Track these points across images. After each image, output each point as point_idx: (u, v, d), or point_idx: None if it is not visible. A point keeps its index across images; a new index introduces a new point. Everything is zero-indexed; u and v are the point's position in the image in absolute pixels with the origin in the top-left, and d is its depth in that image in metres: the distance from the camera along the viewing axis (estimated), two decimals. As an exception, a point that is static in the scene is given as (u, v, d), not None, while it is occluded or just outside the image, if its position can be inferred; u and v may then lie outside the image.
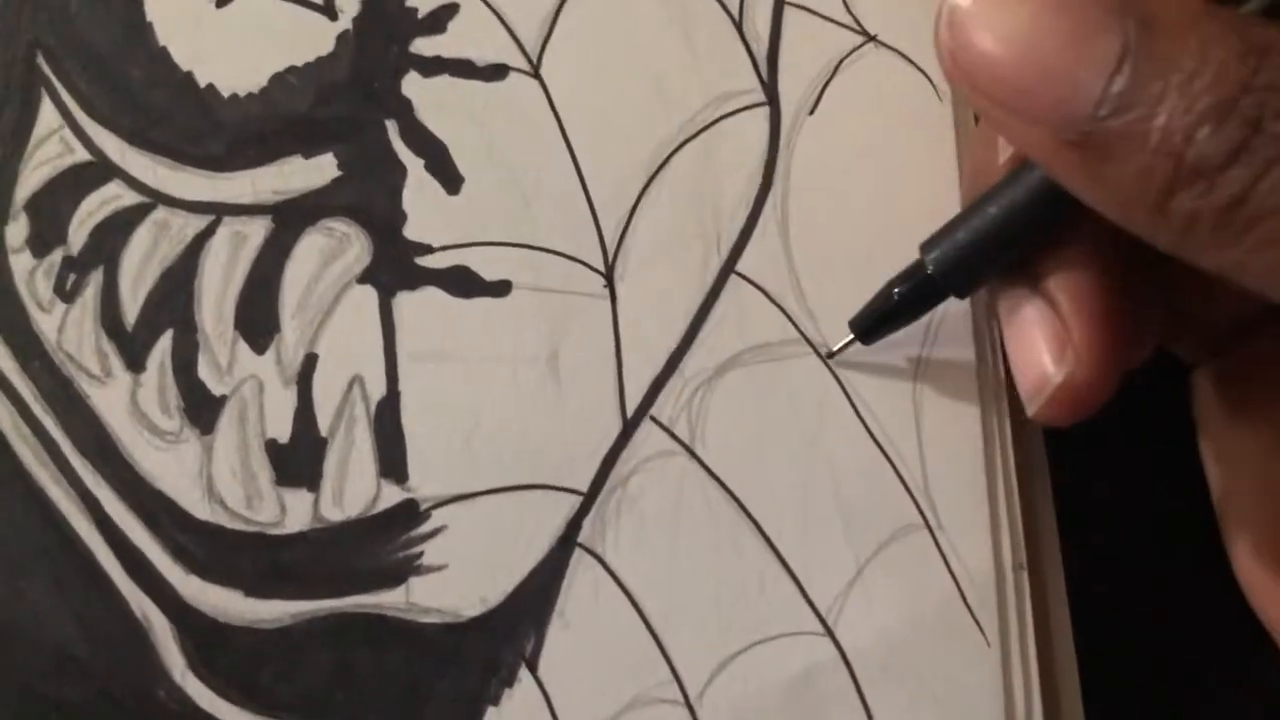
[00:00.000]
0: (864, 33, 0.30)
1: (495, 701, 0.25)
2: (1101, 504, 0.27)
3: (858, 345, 0.28)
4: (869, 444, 0.27)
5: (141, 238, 0.28)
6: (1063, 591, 0.27)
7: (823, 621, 0.26)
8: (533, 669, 0.26)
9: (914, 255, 0.29)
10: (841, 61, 0.30)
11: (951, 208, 0.29)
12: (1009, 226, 0.24)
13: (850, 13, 0.31)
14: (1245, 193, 0.19)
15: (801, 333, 0.28)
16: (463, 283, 0.28)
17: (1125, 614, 0.30)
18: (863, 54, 0.30)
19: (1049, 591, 0.27)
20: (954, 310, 0.28)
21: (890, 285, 0.27)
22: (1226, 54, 0.19)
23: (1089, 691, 0.27)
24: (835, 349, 0.28)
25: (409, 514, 0.26)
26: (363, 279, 0.28)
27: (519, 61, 0.30)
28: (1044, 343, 0.24)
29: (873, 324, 0.27)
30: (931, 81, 0.30)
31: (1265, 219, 0.19)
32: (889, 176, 0.29)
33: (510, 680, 0.25)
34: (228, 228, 0.28)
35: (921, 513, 0.27)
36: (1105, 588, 0.28)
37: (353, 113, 0.29)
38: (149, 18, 0.29)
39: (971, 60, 0.21)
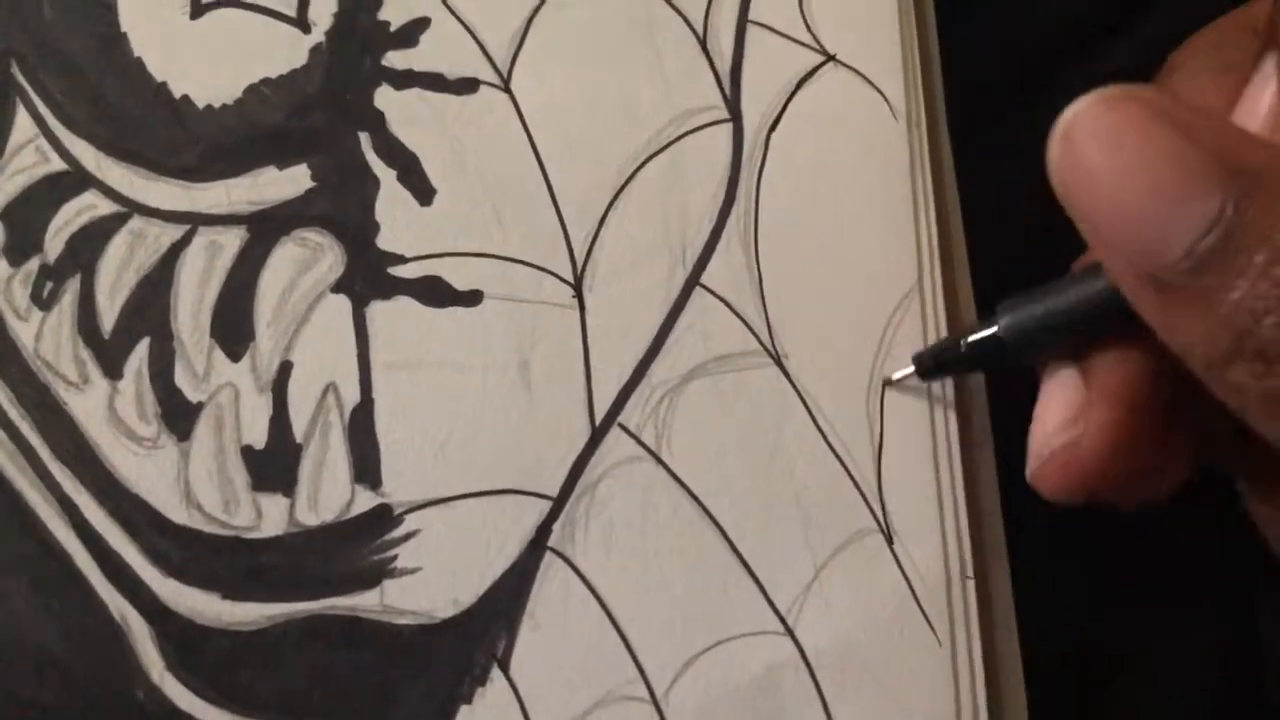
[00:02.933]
0: (824, 52, 0.32)
1: (468, 700, 0.26)
2: (1049, 515, 0.28)
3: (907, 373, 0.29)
4: (826, 452, 0.29)
5: (118, 246, 0.28)
6: (1008, 593, 0.28)
7: (783, 622, 0.27)
8: (504, 668, 0.26)
9: (869, 270, 0.30)
10: (802, 80, 0.31)
11: (904, 223, 0.30)
12: (1085, 315, 0.25)
13: (811, 32, 0.32)
14: None
15: (762, 344, 0.29)
16: (435, 292, 0.29)
17: (1068, 614, 0.31)
18: (822, 73, 0.31)
19: (995, 594, 0.28)
20: (905, 332, 0.30)
21: (961, 335, 0.27)
22: None
23: (1031, 686, 0.28)
24: (895, 378, 0.29)
25: (383, 518, 0.27)
26: (336, 288, 0.29)
27: (489, 75, 0.30)
28: (1063, 407, 0.25)
29: (934, 366, 0.28)
30: (888, 101, 0.31)
31: None
32: (846, 192, 0.31)
33: (483, 679, 0.26)
34: (203, 237, 0.28)
35: (876, 518, 0.28)
36: (1048, 590, 0.29)
37: (326, 125, 0.30)
38: (123, 28, 0.29)
39: (1075, 178, 0.21)
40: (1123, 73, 0.36)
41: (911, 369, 0.29)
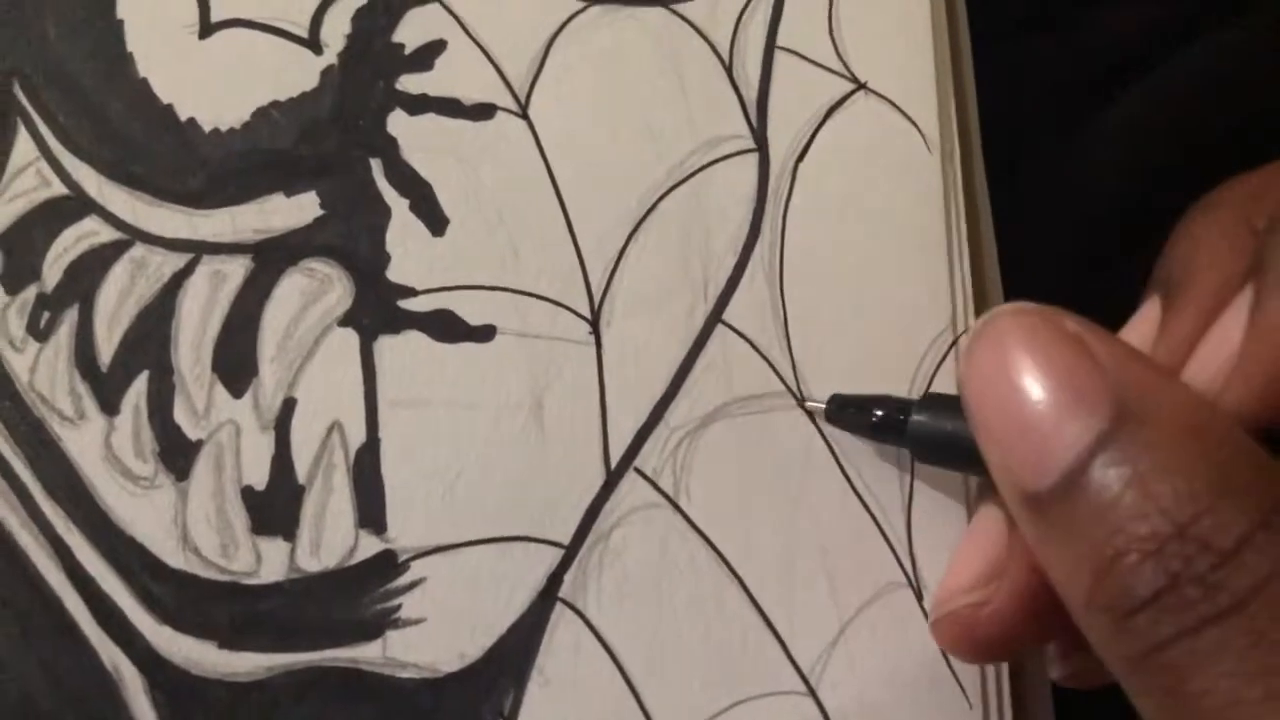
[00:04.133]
0: (854, 79, 0.30)
1: (473, 760, 0.25)
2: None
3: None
4: (853, 500, 0.27)
5: (118, 275, 0.27)
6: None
7: (805, 681, 0.26)
8: (511, 727, 0.25)
9: (900, 308, 0.29)
10: (831, 108, 0.30)
11: (937, 259, 0.29)
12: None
13: (841, 59, 0.30)
14: (1148, 647, 0.18)
15: (786, 385, 0.28)
16: (446, 327, 0.28)
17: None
18: (853, 101, 0.30)
19: (1028, 654, 0.27)
20: (938, 374, 0.28)
21: (880, 402, 0.26)
22: (1185, 485, 0.18)
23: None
24: (808, 404, 0.28)
25: (387, 565, 0.26)
26: (344, 321, 0.27)
27: (507, 101, 0.29)
28: (979, 559, 0.24)
29: (843, 417, 0.27)
30: (920, 131, 0.30)
31: (1154, 674, 0.18)
32: (876, 226, 0.29)
33: (488, 738, 0.25)
34: (207, 266, 0.27)
35: (905, 571, 0.27)
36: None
37: (336, 150, 0.28)
38: (130, 48, 0.28)
39: (970, 386, 0.20)
40: (1155, 108, 0.35)
41: (823, 404, 0.27)
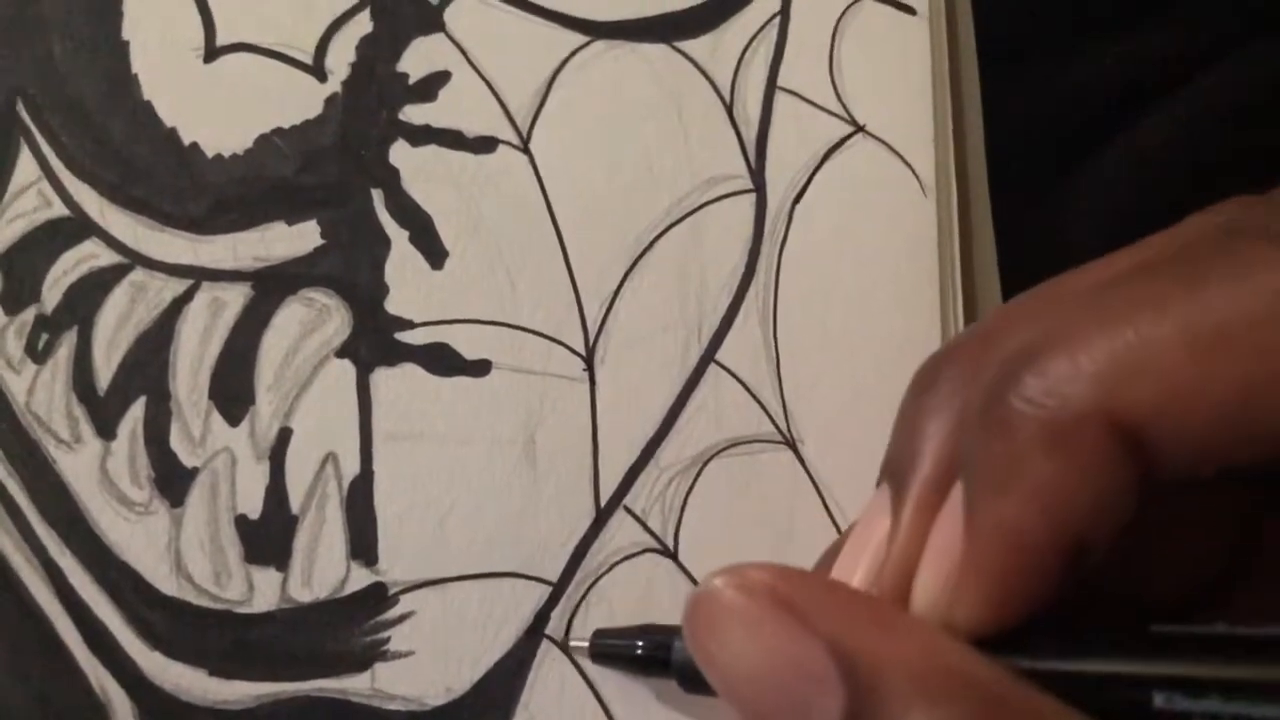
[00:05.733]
0: (853, 122, 0.31)
1: (457, 794, 0.25)
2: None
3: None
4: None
5: (117, 299, 0.27)
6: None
7: (785, 722, 0.27)
8: (495, 762, 0.26)
9: (891, 351, 0.29)
10: (830, 150, 0.30)
11: (930, 302, 0.29)
12: None
13: (841, 101, 0.31)
14: None
15: (777, 426, 0.28)
16: (442, 361, 0.28)
17: None
18: (851, 144, 0.31)
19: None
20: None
21: (644, 633, 0.25)
22: None
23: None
24: (572, 644, 0.27)
25: (377, 598, 0.26)
26: (341, 352, 0.28)
27: (509, 134, 0.29)
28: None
29: (607, 653, 0.26)
30: (916, 176, 0.30)
31: None
32: (870, 268, 0.30)
33: (473, 773, 0.26)
34: (206, 293, 0.28)
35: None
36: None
37: (339, 179, 0.29)
38: (134, 69, 0.29)
39: (703, 662, 0.19)
40: (1163, 144, 0.35)
41: (587, 643, 0.26)
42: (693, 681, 0.23)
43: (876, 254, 0.30)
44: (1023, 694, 0.17)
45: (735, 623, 0.18)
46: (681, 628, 0.21)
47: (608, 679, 0.26)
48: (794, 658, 0.18)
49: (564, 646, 0.26)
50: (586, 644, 0.26)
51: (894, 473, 0.21)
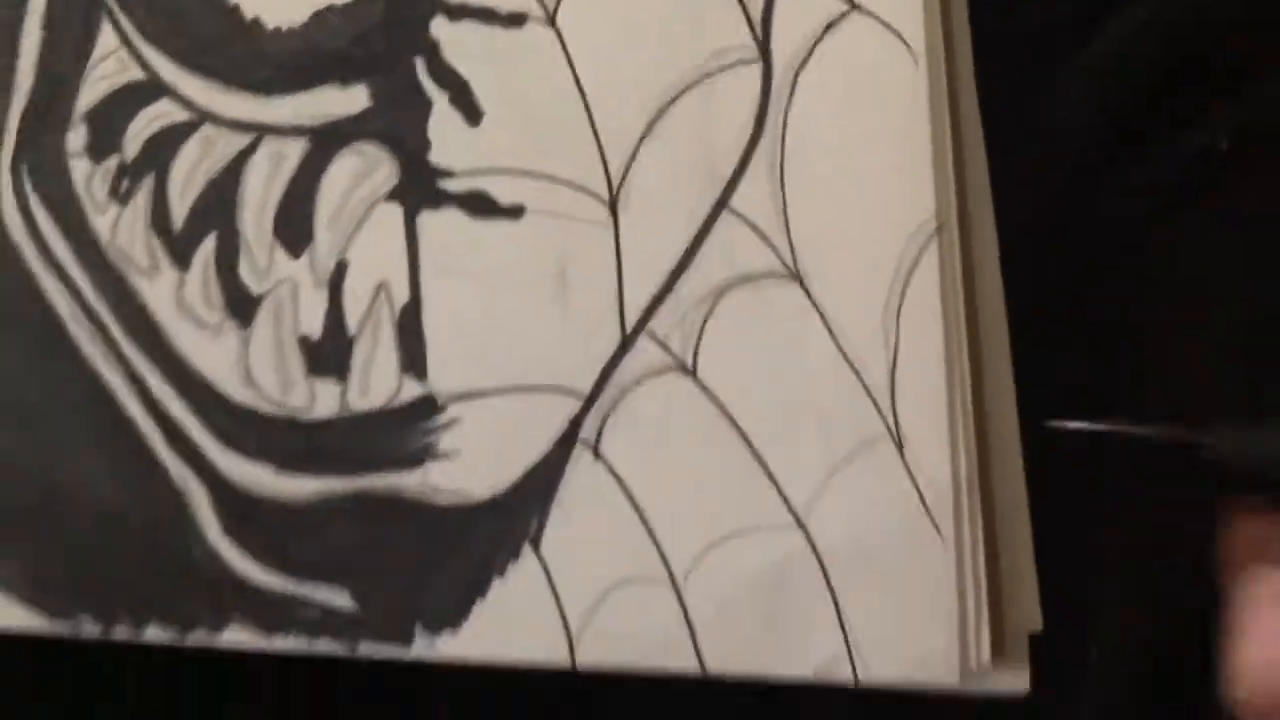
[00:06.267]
0: (849, 1, 0.34)
1: (502, 574, 0.28)
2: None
3: None
4: (843, 365, 0.30)
5: (189, 151, 0.30)
6: (1022, 498, 0.30)
7: (796, 518, 0.29)
8: (536, 547, 0.28)
9: (888, 200, 0.32)
10: (829, 25, 0.33)
11: (923, 161, 0.32)
12: None
13: (838, -17, 0.34)
14: None
15: (785, 264, 0.31)
16: (480, 205, 0.31)
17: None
18: (848, 19, 0.33)
19: (1006, 499, 0.30)
20: (922, 259, 0.32)
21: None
22: None
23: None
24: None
25: (427, 407, 0.29)
26: (390, 197, 0.31)
27: (537, 11, 0.33)
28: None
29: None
30: (909, 47, 0.33)
31: None
32: (869, 130, 0.32)
33: (515, 555, 0.28)
34: (268, 147, 0.31)
35: (888, 426, 0.30)
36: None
37: (385, 50, 0.32)
38: (201, -46, 0.32)
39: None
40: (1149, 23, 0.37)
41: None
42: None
43: (874, 117, 0.33)
44: None
45: None
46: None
47: (635, 477, 0.29)
48: None
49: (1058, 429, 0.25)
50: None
51: None
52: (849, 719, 0.30)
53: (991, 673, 0.29)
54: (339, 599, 0.27)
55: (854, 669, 0.28)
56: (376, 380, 0.29)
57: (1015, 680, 0.29)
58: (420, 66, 0.32)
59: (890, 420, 0.30)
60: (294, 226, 0.30)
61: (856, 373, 0.30)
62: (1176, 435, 0.24)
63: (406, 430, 0.29)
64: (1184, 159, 0.34)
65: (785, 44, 0.33)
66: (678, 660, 0.28)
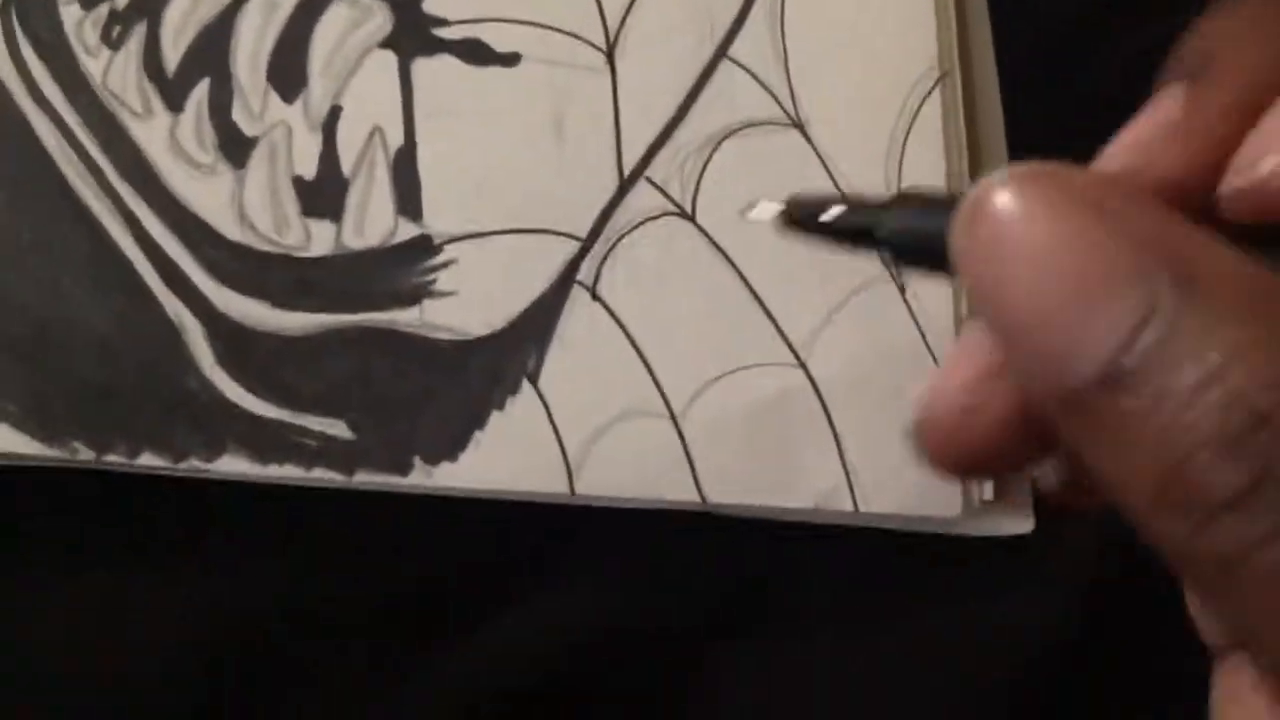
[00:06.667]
0: None
1: (500, 407, 0.28)
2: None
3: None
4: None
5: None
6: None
7: (796, 355, 0.29)
8: (534, 382, 0.28)
9: (889, 48, 0.31)
10: (828, -118, 0.33)
11: (925, 9, 0.32)
12: None
13: None
14: (1232, 554, 0.15)
15: (785, 111, 0.31)
16: (476, 52, 0.30)
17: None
18: (848, -123, 0.33)
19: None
20: (923, 106, 0.31)
21: (847, 200, 0.22)
22: (1261, 364, 0.15)
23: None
24: (750, 216, 0.24)
25: (423, 246, 0.29)
26: (384, 44, 0.30)
27: None
28: (979, 362, 0.19)
29: (795, 221, 0.23)
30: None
31: (1244, 582, 0.15)
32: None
33: (514, 390, 0.28)
34: (261, -6, 0.30)
35: (889, 269, 0.30)
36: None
37: (379, -99, 0.31)
38: None
39: (976, 269, 0.17)
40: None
41: (770, 211, 0.23)
42: (909, 254, 0.21)
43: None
44: None
45: (1030, 207, 0.16)
46: (889, 202, 0.21)
47: (634, 317, 0.29)
48: (1097, 240, 0.16)
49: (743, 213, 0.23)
50: (780, 208, 0.23)
51: (1191, 65, 0.19)
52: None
53: (993, 512, 0.29)
54: (335, 429, 0.27)
55: (854, 500, 0.28)
56: (372, 221, 0.29)
57: (1018, 522, 0.29)
58: (414, -83, 0.31)
59: (891, 265, 0.30)
60: (287, 72, 0.30)
61: (857, 216, 0.30)
62: (856, 219, 0.22)
63: (402, 269, 0.29)
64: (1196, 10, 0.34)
65: (783, -102, 0.33)
66: (677, 492, 0.28)
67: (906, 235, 0.20)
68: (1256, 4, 0.19)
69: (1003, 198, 0.16)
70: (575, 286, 0.29)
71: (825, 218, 0.22)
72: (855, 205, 0.22)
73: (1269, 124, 0.18)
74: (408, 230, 0.29)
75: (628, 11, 0.31)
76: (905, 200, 0.21)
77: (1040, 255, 0.16)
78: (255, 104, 0.29)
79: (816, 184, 0.30)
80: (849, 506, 0.28)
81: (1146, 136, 0.19)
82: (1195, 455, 0.15)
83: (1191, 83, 0.19)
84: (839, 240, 0.22)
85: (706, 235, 0.30)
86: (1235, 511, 0.15)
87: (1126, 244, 0.16)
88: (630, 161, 0.30)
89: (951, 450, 0.19)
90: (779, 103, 0.31)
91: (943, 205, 0.19)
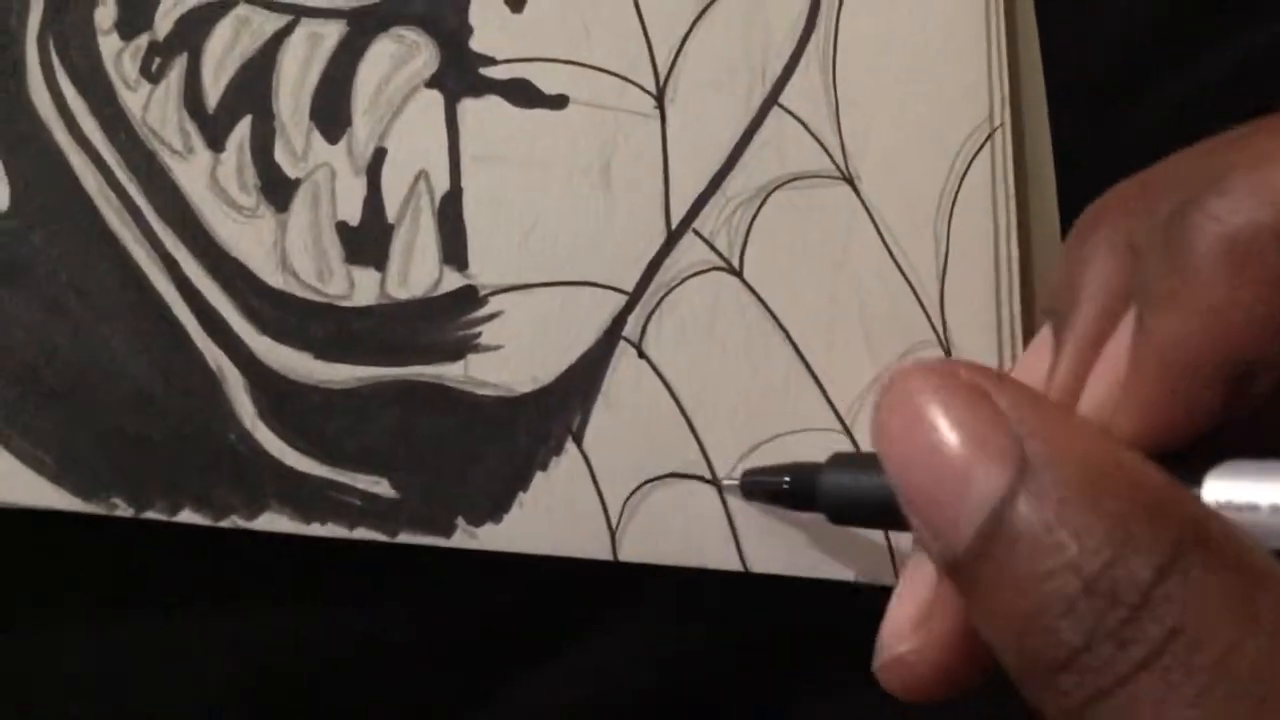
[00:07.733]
0: (904, -101, 0.32)
1: (544, 467, 0.27)
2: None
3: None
4: (892, 268, 0.30)
5: (223, 31, 0.29)
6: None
7: (841, 421, 0.29)
8: (578, 441, 0.28)
9: (942, 101, 0.31)
10: (883, -77, 0.32)
11: (978, 62, 0.31)
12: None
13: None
14: (1074, 706, 0.17)
15: (835, 164, 0.30)
16: (523, 93, 0.30)
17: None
18: (903, -82, 0.32)
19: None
20: (975, 163, 0.31)
21: (789, 470, 0.26)
22: (1089, 537, 0.16)
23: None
24: (725, 483, 0.28)
25: (469, 298, 0.28)
26: (430, 83, 0.30)
27: (583, -103, 0.31)
28: (915, 601, 0.21)
29: (757, 490, 0.27)
30: (965, -53, 0.32)
31: None
32: (923, 28, 0.31)
33: (558, 450, 0.28)
34: (305, 28, 0.30)
35: (936, 331, 0.29)
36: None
37: (425, -69, 0.31)
38: None
39: (884, 447, 0.19)
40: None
41: (737, 481, 0.28)
42: (838, 511, 0.24)
43: (929, 16, 0.32)
44: (1188, 501, 0.17)
45: (926, 393, 0.18)
46: (825, 465, 0.24)
47: (679, 375, 0.28)
48: (972, 422, 0.18)
49: (717, 483, 0.28)
50: (738, 482, 0.28)
51: (1056, 310, 0.21)
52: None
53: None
54: (379, 487, 0.27)
55: (896, 573, 0.28)
56: (416, 270, 0.28)
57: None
58: (462, -50, 0.31)
59: (938, 326, 0.30)
60: (331, 111, 0.29)
61: (905, 277, 0.30)
62: (797, 471, 0.26)
63: (448, 321, 0.28)
64: (1239, 60, 0.33)
65: (838, -61, 0.32)
66: (720, 558, 0.27)
67: (838, 497, 0.24)
68: (1105, 235, 0.21)
69: (900, 389, 0.19)
70: (621, 342, 0.29)
71: (772, 489, 0.26)
72: (797, 473, 0.26)
73: (1093, 378, 0.20)
74: (453, 280, 0.28)
75: (679, 52, 0.31)
76: (839, 461, 0.25)
77: (928, 438, 0.18)
78: (298, 144, 0.29)
79: (864, 241, 0.30)
80: (891, 581, 0.28)
81: (1025, 377, 0.22)
82: (1040, 617, 0.17)
83: (1055, 330, 0.21)
84: (788, 508, 0.27)
85: (754, 292, 0.29)
86: (1071, 670, 0.16)
87: (992, 425, 0.18)
88: (679, 212, 0.30)
89: (908, 686, 0.21)
90: (829, 154, 0.30)
91: (873, 464, 0.22)
